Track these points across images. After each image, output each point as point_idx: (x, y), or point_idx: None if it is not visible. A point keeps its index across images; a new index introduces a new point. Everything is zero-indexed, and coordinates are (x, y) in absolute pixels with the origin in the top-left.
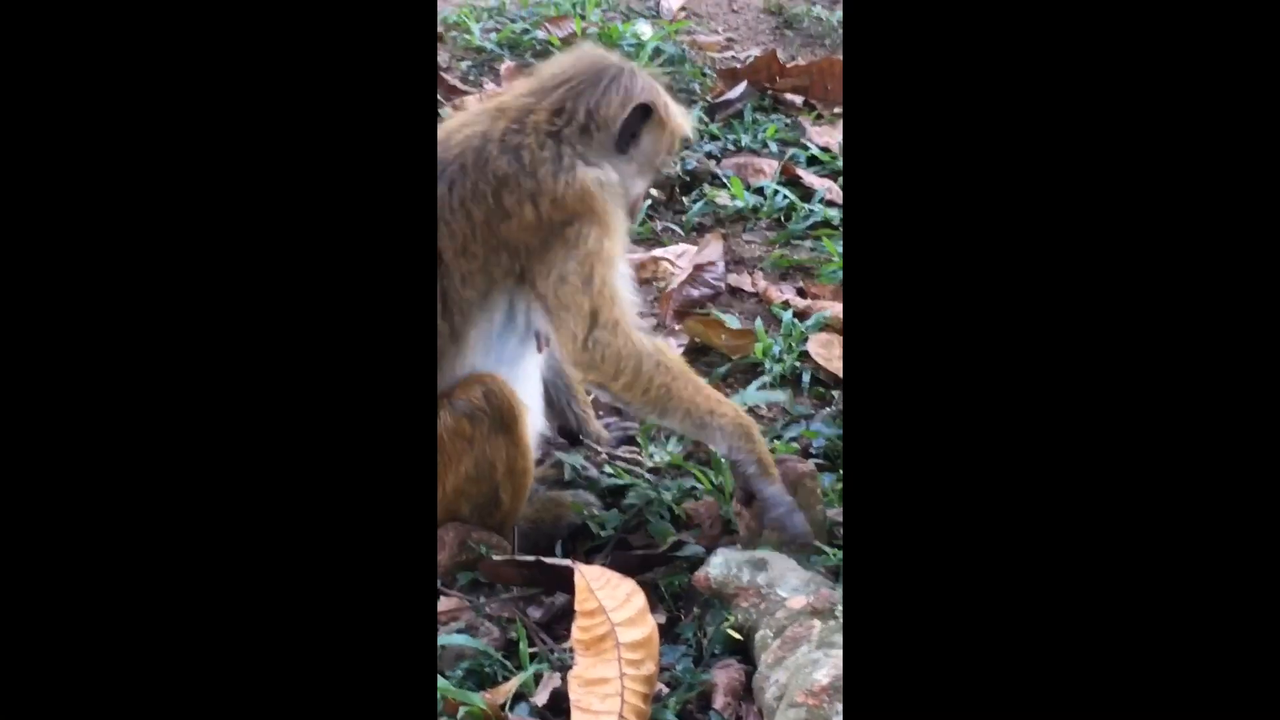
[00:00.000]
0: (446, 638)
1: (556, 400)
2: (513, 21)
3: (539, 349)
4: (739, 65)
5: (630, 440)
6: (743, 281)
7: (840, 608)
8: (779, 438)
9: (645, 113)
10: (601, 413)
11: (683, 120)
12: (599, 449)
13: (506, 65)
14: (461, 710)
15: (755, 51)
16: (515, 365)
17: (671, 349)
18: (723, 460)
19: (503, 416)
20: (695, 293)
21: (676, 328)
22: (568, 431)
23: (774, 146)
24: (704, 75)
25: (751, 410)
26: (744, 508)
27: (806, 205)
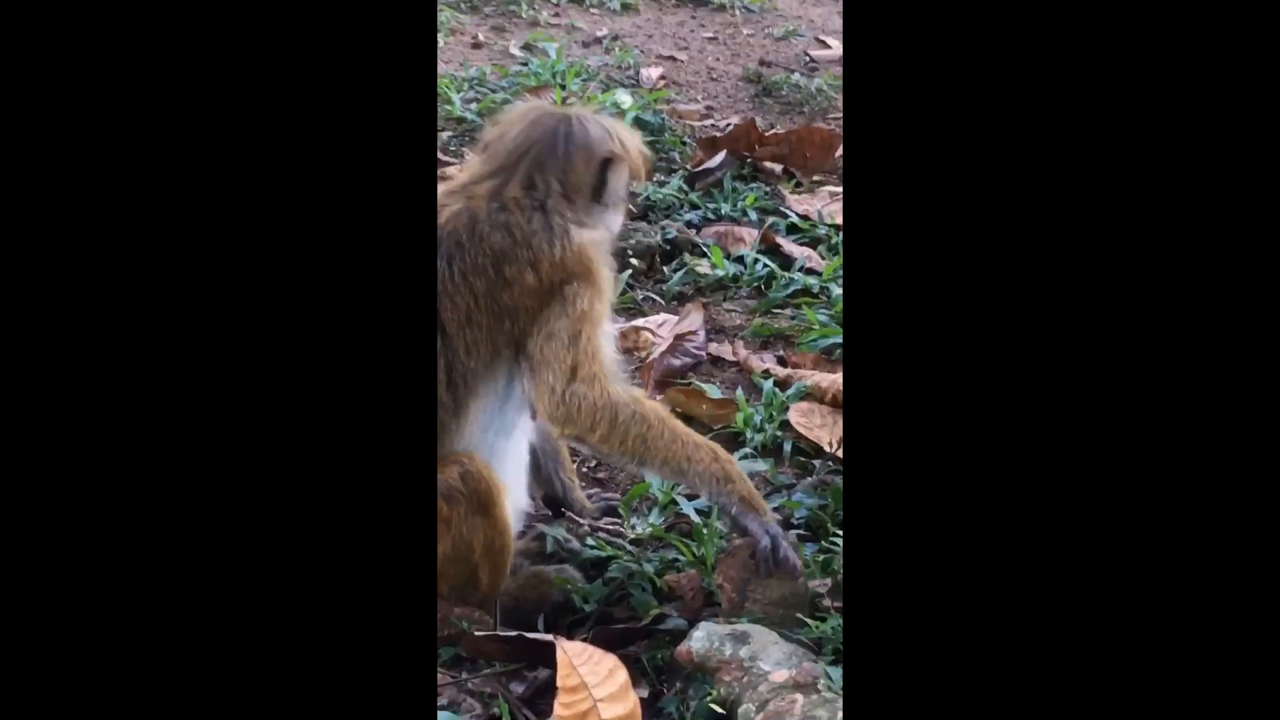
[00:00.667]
0: None
1: (544, 467)
2: (493, 91)
3: (533, 416)
4: (718, 134)
5: (612, 511)
6: (724, 351)
7: (823, 681)
8: None
9: (608, 161)
10: (584, 483)
11: (639, 147)
12: (581, 521)
13: None
14: None
15: (734, 120)
16: (510, 436)
17: (644, 395)
18: (703, 531)
19: (480, 497)
20: (676, 362)
21: (658, 398)
22: (551, 500)
23: (754, 215)
24: (684, 144)
25: None
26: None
27: (786, 273)
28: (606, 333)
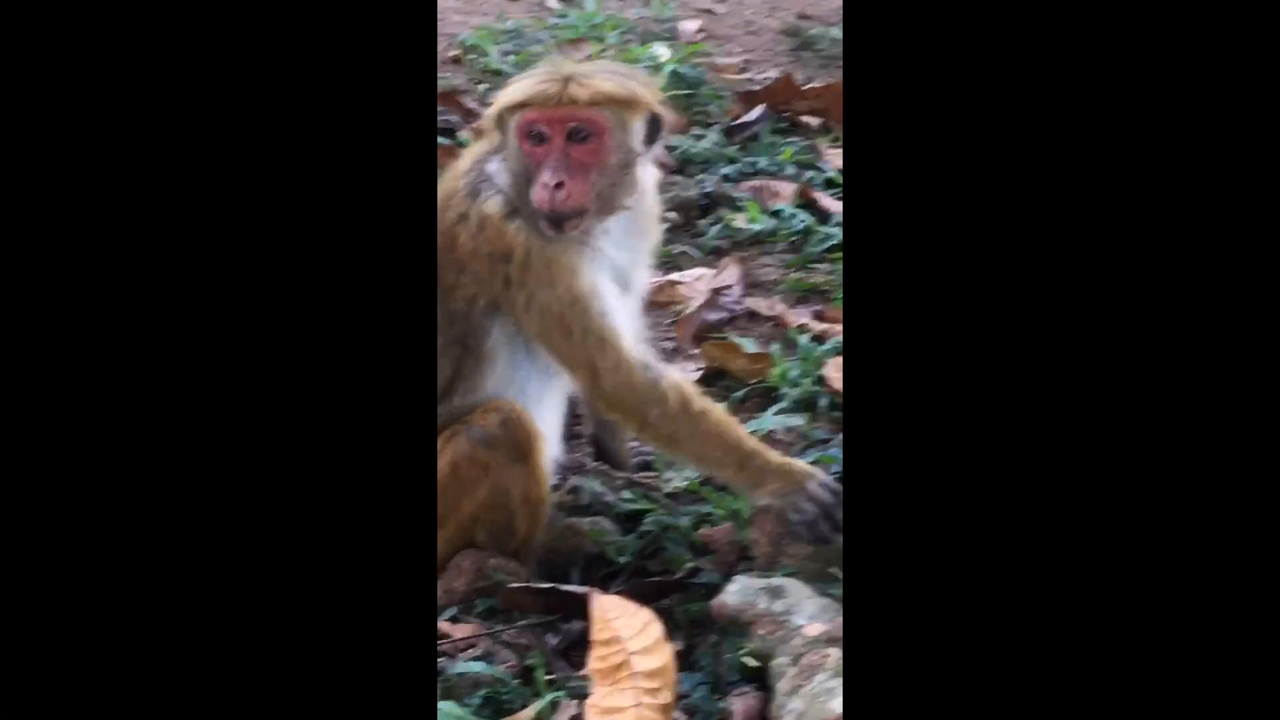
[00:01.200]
0: (463, 665)
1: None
2: (530, 45)
3: None
4: (756, 88)
5: (647, 465)
6: (760, 305)
7: None
8: None
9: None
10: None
11: (510, 95)
12: (616, 474)
13: None
14: None
15: (772, 74)
16: (549, 378)
17: (681, 380)
18: None
19: (519, 445)
20: (712, 316)
21: (694, 352)
22: (598, 441)
23: (791, 169)
24: (721, 98)
25: (768, 435)
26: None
27: (823, 228)
28: (601, 310)
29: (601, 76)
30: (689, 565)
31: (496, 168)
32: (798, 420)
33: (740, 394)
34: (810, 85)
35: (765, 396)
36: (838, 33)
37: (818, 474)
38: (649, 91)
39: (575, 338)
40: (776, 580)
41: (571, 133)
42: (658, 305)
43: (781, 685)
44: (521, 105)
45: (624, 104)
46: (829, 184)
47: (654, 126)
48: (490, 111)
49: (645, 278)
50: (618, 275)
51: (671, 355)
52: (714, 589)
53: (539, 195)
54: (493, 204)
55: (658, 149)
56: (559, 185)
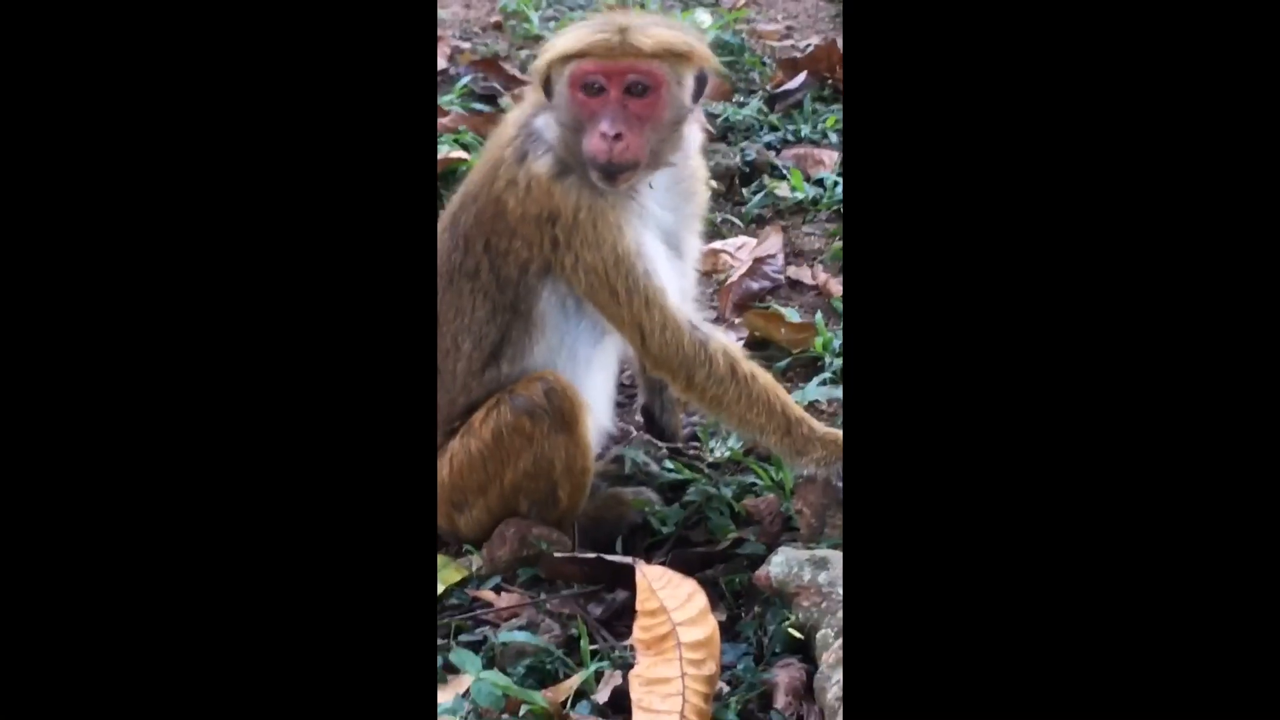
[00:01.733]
0: (507, 634)
1: (651, 381)
2: (572, 10)
3: None
4: (799, 55)
5: (694, 437)
6: (803, 274)
7: None
8: None
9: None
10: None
11: (558, 48)
12: (660, 444)
13: None
14: (523, 708)
15: (815, 40)
16: (599, 344)
17: (730, 344)
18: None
19: (563, 416)
20: (755, 286)
21: (736, 321)
22: (648, 412)
23: (834, 137)
24: (763, 65)
25: (811, 406)
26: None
27: None
28: (646, 270)
29: (658, 28)
30: (733, 536)
31: (544, 122)
32: (840, 392)
33: (783, 364)
34: None
35: (809, 366)
36: None
37: None
38: (702, 45)
39: (621, 297)
40: (821, 552)
41: (630, 86)
42: (701, 273)
43: (826, 657)
44: (577, 56)
45: (682, 57)
46: None
47: (701, 82)
48: (539, 62)
49: (696, 244)
50: (666, 237)
51: (714, 324)
52: (758, 560)
53: (596, 145)
54: (542, 164)
55: (700, 108)
56: (618, 136)
